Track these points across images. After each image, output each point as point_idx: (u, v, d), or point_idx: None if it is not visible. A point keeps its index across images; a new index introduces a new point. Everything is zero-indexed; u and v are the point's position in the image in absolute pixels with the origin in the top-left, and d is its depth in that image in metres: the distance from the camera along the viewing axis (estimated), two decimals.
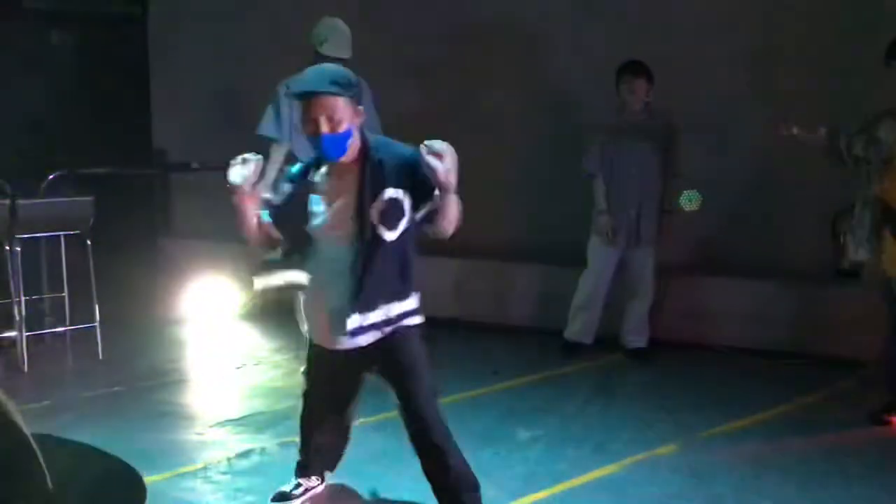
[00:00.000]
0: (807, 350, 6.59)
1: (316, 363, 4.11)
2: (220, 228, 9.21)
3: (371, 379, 4.12)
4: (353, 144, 3.63)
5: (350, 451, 5.02)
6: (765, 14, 7.16)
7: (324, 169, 3.76)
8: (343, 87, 3.58)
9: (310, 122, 3.59)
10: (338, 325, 3.78)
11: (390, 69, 7.76)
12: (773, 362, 6.58)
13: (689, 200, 6.72)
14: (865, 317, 6.49)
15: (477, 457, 4.83)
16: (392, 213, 3.63)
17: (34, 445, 1.70)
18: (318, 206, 3.74)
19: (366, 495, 4.45)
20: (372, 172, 3.63)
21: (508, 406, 5.63)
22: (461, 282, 7.78)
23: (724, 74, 7.24)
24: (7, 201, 6.47)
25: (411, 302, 3.91)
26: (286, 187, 3.85)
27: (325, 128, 3.55)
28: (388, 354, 3.91)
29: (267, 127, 6.33)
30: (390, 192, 3.62)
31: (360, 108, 3.64)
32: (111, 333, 6.82)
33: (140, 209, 9.36)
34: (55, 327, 7.00)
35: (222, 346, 7.43)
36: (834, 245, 6.89)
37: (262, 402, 5.91)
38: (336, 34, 6.19)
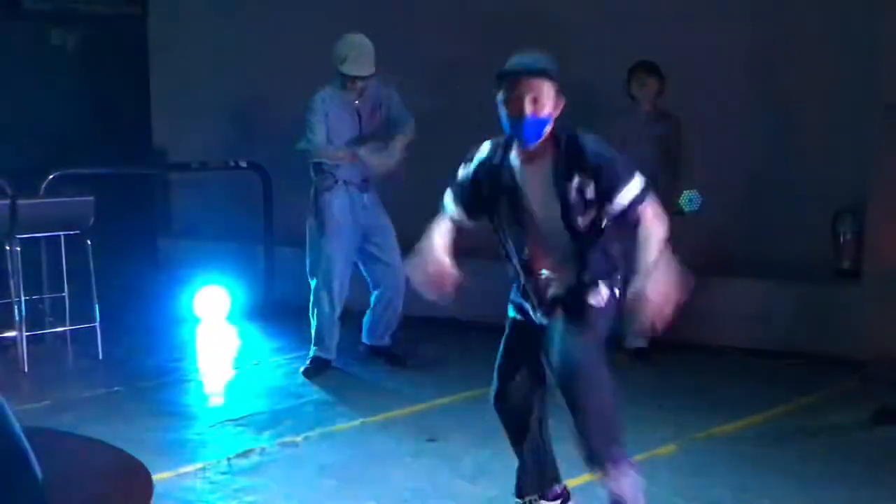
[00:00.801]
0: (807, 350, 6.59)
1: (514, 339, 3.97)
2: (219, 228, 9.27)
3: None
4: (547, 132, 3.58)
5: (350, 451, 5.03)
6: (767, 13, 7.16)
7: (514, 154, 3.67)
8: (552, 72, 3.56)
9: (514, 101, 3.52)
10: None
11: (406, 67, 7.72)
12: (773, 362, 6.58)
13: (689, 201, 6.72)
14: (865, 317, 6.50)
15: (477, 457, 4.84)
16: (579, 201, 3.56)
17: (28, 449, 1.68)
18: (510, 192, 3.69)
19: (366, 495, 4.44)
20: (564, 158, 3.57)
21: None
22: (461, 282, 7.75)
23: (725, 74, 7.24)
24: (7, 201, 6.47)
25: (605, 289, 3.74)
26: (469, 174, 3.82)
27: (528, 109, 3.50)
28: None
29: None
30: (577, 181, 3.55)
31: (562, 98, 3.59)
32: (111, 333, 6.82)
33: (140, 209, 9.35)
34: (55, 327, 7.00)
35: (222, 346, 7.43)
36: (834, 245, 6.91)
37: (262, 402, 5.91)
38: (356, 51, 6.16)
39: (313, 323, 6.41)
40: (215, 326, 7.85)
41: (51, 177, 7.18)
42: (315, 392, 6.06)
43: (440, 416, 5.52)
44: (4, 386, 1.80)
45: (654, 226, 3.53)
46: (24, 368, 6.44)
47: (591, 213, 3.58)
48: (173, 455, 4.92)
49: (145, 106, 9.83)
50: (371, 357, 6.61)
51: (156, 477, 4.44)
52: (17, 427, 1.66)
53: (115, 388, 6.11)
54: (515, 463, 4.03)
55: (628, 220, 3.54)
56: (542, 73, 3.53)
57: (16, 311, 6.48)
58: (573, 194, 3.54)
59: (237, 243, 8.73)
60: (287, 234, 8.48)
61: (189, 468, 4.75)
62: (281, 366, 6.70)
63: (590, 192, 3.54)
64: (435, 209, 4.06)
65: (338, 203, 6.30)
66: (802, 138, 7.03)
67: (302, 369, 6.40)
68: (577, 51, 7.47)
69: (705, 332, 6.92)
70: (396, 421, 5.47)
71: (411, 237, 4.21)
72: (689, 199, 6.74)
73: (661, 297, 3.45)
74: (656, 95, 6.57)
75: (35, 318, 6.86)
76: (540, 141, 3.57)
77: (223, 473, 4.71)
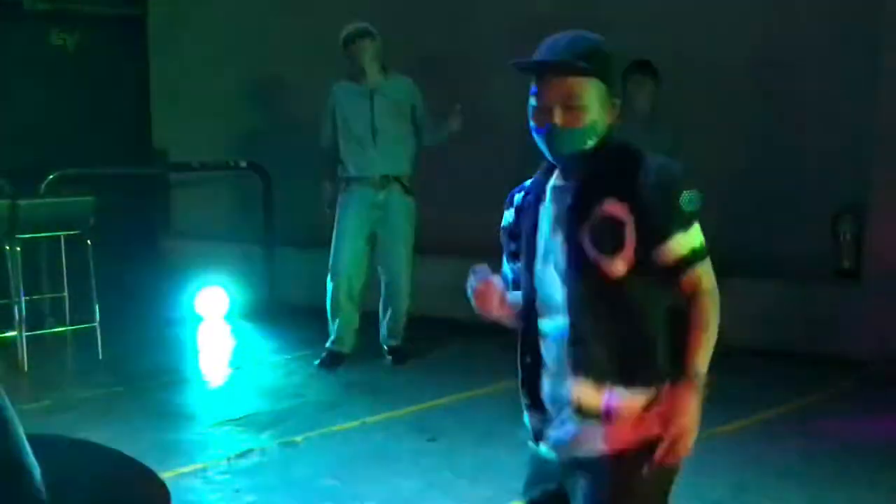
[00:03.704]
0: (807, 350, 6.59)
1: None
2: (219, 228, 9.27)
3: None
4: (590, 148, 2.45)
5: (350, 451, 5.03)
6: (768, 12, 7.15)
7: (552, 181, 2.53)
8: (596, 65, 2.40)
9: (540, 107, 2.44)
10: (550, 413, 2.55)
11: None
12: (773, 362, 6.57)
13: (689, 201, 6.70)
14: (865, 317, 6.50)
15: (477, 457, 4.84)
16: (608, 234, 2.39)
17: (28, 452, 1.66)
18: (529, 231, 2.56)
19: (366, 495, 4.44)
20: (605, 177, 2.44)
21: (508, 406, 5.62)
22: (461, 282, 7.76)
23: (726, 74, 7.24)
24: (7, 201, 6.47)
25: (641, 397, 2.40)
26: (506, 219, 2.66)
27: (558, 118, 2.41)
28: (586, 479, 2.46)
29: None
30: (608, 206, 2.40)
31: (616, 100, 2.47)
32: (111, 333, 6.82)
33: (140, 209, 9.35)
34: (55, 327, 7.00)
35: (222, 346, 7.44)
36: (834, 245, 6.91)
37: (262, 402, 5.91)
38: (350, 24, 6.33)
39: (328, 317, 6.51)
40: (215, 326, 7.86)
41: (51, 177, 7.18)
42: (315, 392, 6.06)
43: (440, 416, 5.51)
44: (4, 386, 1.78)
45: (708, 306, 2.39)
46: (24, 368, 6.44)
47: (624, 262, 2.37)
48: (173, 455, 4.92)
49: (145, 106, 9.84)
50: (374, 357, 6.62)
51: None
52: (19, 436, 1.63)
53: (115, 388, 6.11)
54: (516, 463, 4.02)
55: (668, 288, 2.41)
56: (577, 69, 2.39)
57: (16, 311, 6.48)
58: (596, 225, 2.39)
59: (237, 243, 8.74)
60: (287, 234, 8.49)
61: (189, 468, 4.75)
62: (281, 366, 6.70)
63: (628, 231, 2.38)
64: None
65: (345, 201, 6.41)
66: (802, 138, 7.03)
67: (317, 362, 6.45)
68: None
69: None
70: (396, 421, 5.47)
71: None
72: (689, 199, 6.72)
73: (686, 424, 2.30)
74: (653, 96, 6.44)
75: (35, 318, 6.86)
76: (580, 159, 2.44)
77: (223, 473, 4.71)
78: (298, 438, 5.17)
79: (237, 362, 6.90)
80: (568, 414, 2.46)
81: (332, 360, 6.45)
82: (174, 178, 9.87)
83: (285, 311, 7.94)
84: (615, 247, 2.37)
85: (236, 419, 5.56)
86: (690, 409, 2.29)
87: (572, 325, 2.42)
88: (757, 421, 5.45)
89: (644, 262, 2.38)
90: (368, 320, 6.59)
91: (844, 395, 5.97)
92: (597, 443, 2.42)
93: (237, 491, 4.50)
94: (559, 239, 2.45)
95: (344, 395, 5.98)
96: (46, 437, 1.82)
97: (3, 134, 8.49)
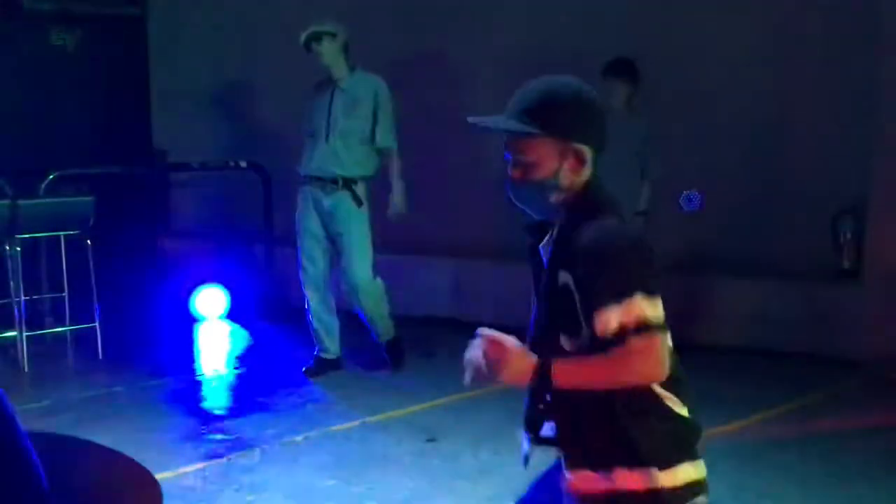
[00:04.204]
0: (807, 350, 6.59)
1: None
2: (219, 228, 9.27)
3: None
4: (559, 200, 2.36)
5: (350, 451, 5.04)
6: (768, 12, 7.15)
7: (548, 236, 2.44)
8: (540, 116, 2.33)
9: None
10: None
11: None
12: (773, 362, 6.57)
13: (689, 200, 6.72)
14: (865, 317, 6.50)
15: (477, 457, 4.84)
16: (564, 307, 2.30)
17: (36, 461, 1.66)
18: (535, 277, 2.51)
19: (366, 495, 4.44)
20: (557, 242, 2.36)
21: (508, 406, 5.62)
22: (461, 282, 7.78)
23: (726, 73, 7.24)
24: (7, 201, 6.47)
25: (627, 479, 2.30)
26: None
27: (513, 172, 2.39)
28: None
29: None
30: (563, 276, 2.30)
31: (580, 146, 2.35)
32: (111, 333, 6.82)
33: (140, 209, 9.35)
34: (55, 327, 7.00)
35: (222, 346, 7.44)
36: (834, 245, 6.91)
37: (262, 402, 5.90)
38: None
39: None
40: (215, 326, 7.86)
41: (51, 177, 7.18)
42: (315, 392, 6.06)
43: (440, 416, 5.51)
44: (4, 386, 1.78)
45: (625, 363, 2.20)
46: (24, 368, 6.44)
47: (582, 336, 2.27)
48: (173, 455, 4.92)
49: (145, 106, 9.84)
50: (373, 357, 6.61)
51: (156, 477, 4.45)
52: (22, 434, 1.63)
53: (115, 388, 6.11)
54: (515, 463, 4.02)
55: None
56: (515, 130, 2.35)
57: (16, 311, 6.48)
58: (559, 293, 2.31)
59: (237, 243, 8.74)
60: (287, 234, 8.48)
61: (189, 468, 4.75)
62: (281, 366, 6.70)
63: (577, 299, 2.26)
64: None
65: (300, 200, 6.35)
66: (803, 138, 7.03)
67: (304, 368, 6.41)
68: (571, 50, 7.49)
69: (705, 332, 6.92)
70: (396, 421, 5.47)
71: None
72: (688, 198, 6.73)
73: (509, 364, 2.32)
74: (626, 95, 6.33)
75: (35, 318, 6.86)
76: (554, 216, 2.38)
77: (223, 473, 4.71)
78: (298, 438, 5.17)
79: (237, 362, 6.90)
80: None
81: (319, 368, 6.39)
82: (174, 178, 9.87)
83: (285, 311, 7.94)
84: (571, 321, 2.28)
85: (236, 419, 5.57)
86: (521, 366, 2.28)
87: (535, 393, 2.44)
88: (757, 421, 5.45)
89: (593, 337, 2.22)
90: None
91: (844, 395, 5.97)
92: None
93: (237, 491, 4.50)
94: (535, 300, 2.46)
95: (344, 395, 5.98)
96: (33, 434, 1.82)
97: (3, 134, 8.49)
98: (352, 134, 6.10)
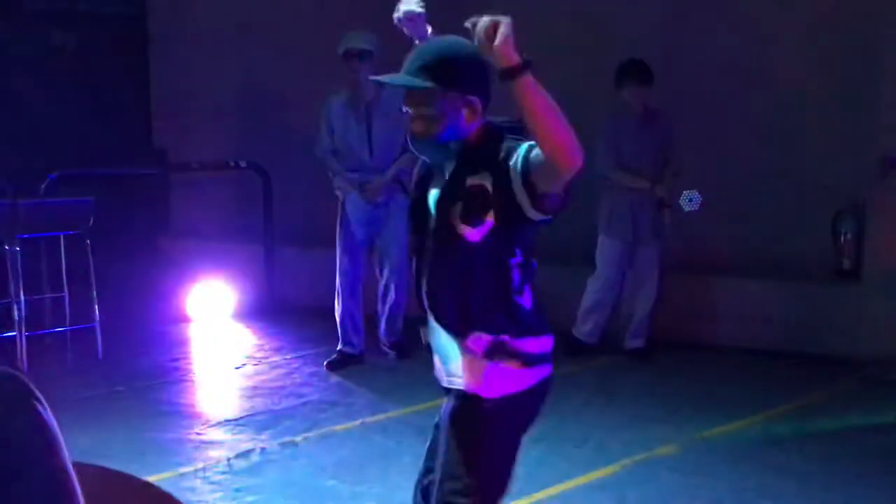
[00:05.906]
0: (807, 350, 6.59)
1: None
2: (219, 228, 9.27)
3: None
4: (463, 144, 2.67)
5: (350, 451, 5.03)
6: (768, 11, 7.16)
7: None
8: (436, 72, 2.61)
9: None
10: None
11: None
12: (773, 362, 6.57)
13: (689, 200, 6.72)
14: (865, 317, 6.51)
15: None
16: (473, 203, 2.62)
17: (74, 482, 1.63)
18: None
19: (366, 495, 4.44)
20: (461, 165, 2.67)
21: None
22: None
23: (725, 73, 7.24)
24: (7, 201, 6.46)
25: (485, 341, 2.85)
26: None
27: (414, 126, 2.69)
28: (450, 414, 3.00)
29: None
30: (472, 181, 2.62)
31: (472, 98, 2.63)
32: (111, 333, 6.82)
33: (140, 209, 9.35)
34: (55, 327, 7.00)
35: (222, 346, 7.43)
36: (834, 245, 6.91)
37: (262, 402, 5.90)
38: (351, 32, 6.28)
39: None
40: (215, 326, 7.86)
41: (51, 177, 7.17)
42: (315, 392, 6.06)
43: None
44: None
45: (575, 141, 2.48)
46: (23, 368, 6.42)
47: (485, 222, 2.62)
48: (173, 455, 4.92)
49: (145, 106, 9.84)
50: (373, 357, 6.62)
51: (156, 477, 4.45)
52: (65, 457, 1.58)
53: (115, 388, 6.12)
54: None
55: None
56: (413, 86, 2.63)
57: (16, 311, 6.47)
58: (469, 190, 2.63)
59: (237, 243, 8.74)
60: (287, 234, 8.49)
61: (189, 468, 4.75)
62: (281, 366, 6.70)
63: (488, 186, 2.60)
64: None
65: (348, 206, 6.44)
66: (802, 138, 7.03)
67: (326, 362, 6.47)
68: (573, 48, 7.49)
69: (705, 332, 6.93)
70: (396, 421, 5.47)
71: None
72: (688, 198, 6.74)
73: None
74: (642, 97, 6.46)
75: (35, 318, 6.85)
76: (450, 157, 2.69)
77: (223, 473, 4.71)
78: (298, 438, 5.17)
79: (237, 362, 6.90)
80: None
81: (343, 362, 6.52)
82: (174, 178, 9.87)
83: (285, 310, 7.94)
84: (477, 213, 2.60)
85: (236, 419, 5.57)
86: (511, 51, 2.40)
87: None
88: (757, 421, 5.45)
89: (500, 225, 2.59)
90: (367, 320, 6.62)
91: (844, 395, 5.97)
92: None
93: (237, 491, 4.50)
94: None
95: (344, 395, 5.98)
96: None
97: (3, 134, 8.48)
98: (394, 145, 6.22)
